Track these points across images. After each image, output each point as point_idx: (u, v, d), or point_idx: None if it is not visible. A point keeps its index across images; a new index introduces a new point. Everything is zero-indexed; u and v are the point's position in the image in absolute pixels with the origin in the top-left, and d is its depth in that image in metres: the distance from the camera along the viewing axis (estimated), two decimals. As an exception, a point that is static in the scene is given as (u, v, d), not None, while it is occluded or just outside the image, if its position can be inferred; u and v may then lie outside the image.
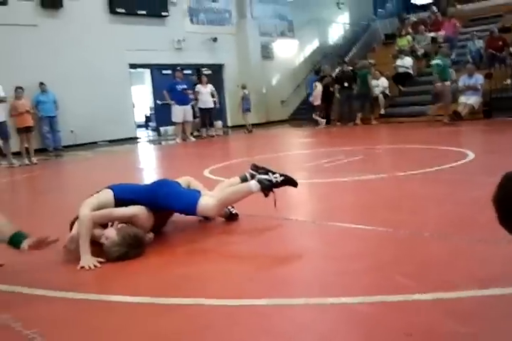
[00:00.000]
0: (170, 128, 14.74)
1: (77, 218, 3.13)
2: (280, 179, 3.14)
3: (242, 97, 14.42)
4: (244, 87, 14.47)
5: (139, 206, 3.09)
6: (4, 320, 2.18)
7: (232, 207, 3.60)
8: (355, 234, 3.15)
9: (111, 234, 2.88)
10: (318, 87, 13.94)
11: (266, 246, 3.07)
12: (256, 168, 3.34)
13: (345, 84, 13.43)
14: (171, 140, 13.35)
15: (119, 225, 2.95)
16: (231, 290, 2.37)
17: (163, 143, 13.47)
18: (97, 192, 3.27)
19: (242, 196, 3.24)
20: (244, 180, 3.55)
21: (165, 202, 3.18)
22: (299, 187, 3.74)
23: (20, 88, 10.25)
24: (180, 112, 12.61)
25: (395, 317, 1.97)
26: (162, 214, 3.29)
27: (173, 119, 12.81)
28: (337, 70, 14.41)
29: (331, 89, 13.89)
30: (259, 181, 3.13)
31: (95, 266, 2.76)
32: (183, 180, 3.71)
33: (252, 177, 3.51)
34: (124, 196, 3.18)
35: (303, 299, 2.17)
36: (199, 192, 3.30)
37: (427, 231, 3.05)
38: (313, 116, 14.06)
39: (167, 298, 2.29)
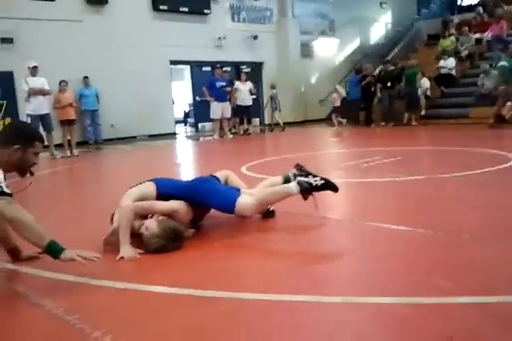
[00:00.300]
0: (208, 125, 14.87)
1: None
2: (320, 182, 3.09)
3: (270, 97, 14.32)
4: (273, 87, 14.30)
5: (180, 201, 3.14)
6: (48, 305, 2.25)
7: None
8: (394, 234, 3.13)
9: (151, 225, 2.92)
10: (340, 90, 13.94)
11: (303, 244, 3.07)
12: (299, 168, 3.30)
13: (388, 84, 13.20)
14: (208, 136, 13.46)
15: (160, 217, 2.99)
16: (268, 285, 2.38)
17: (200, 139, 13.59)
18: (139, 183, 3.33)
19: (281, 197, 3.23)
20: (287, 179, 3.53)
21: (204, 199, 3.21)
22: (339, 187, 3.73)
23: (64, 81, 10.50)
24: (218, 109, 12.70)
25: (433, 319, 1.95)
26: (200, 210, 3.33)
27: (212, 116, 12.91)
28: (378, 69, 14.20)
29: (373, 88, 13.68)
30: (299, 183, 3.10)
31: (135, 257, 2.81)
32: (222, 174, 3.74)
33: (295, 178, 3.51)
34: (166, 191, 3.23)
35: (340, 297, 2.16)
36: (238, 190, 3.31)
37: (467, 233, 3.00)
38: (333, 117, 13.96)
39: (205, 290, 2.32)
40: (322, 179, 3.12)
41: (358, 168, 6.04)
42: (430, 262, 2.60)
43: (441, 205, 3.94)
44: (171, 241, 2.90)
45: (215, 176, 3.60)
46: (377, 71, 14.41)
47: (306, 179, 3.10)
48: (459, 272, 2.43)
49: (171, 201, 3.11)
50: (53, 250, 2.43)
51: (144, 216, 3.07)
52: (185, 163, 8.76)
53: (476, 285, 2.26)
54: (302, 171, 3.16)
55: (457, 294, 2.14)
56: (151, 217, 3.05)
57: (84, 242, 3.18)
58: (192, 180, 3.46)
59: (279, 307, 2.13)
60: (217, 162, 8.32)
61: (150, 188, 3.24)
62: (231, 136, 12.81)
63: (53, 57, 11.38)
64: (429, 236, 3.03)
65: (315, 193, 3.18)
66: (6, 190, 2.44)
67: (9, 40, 11.29)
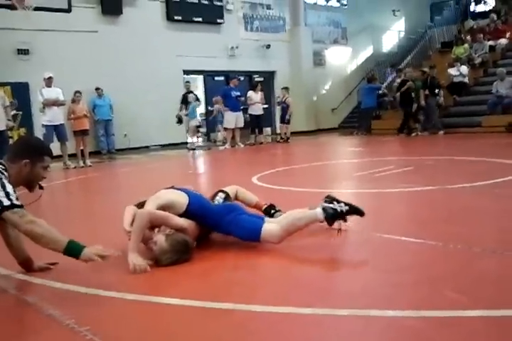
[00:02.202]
0: (220, 134, 14.94)
1: (139, 205, 3.23)
2: (345, 208, 3.06)
3: (281, 108, 14.00)
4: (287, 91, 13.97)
5: (190, 221, 3.13)
6: (59, 316, 2.26)
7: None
8: (406, 246, 3.11)
9: (160, 240, 2.92)
10: None
11: (315, 255, 3.06)
12: (327, 197, 3.24)
13: (436, 91, 12.59)
14: (220, 146, 13.51)
15: (167, 231, 2.99)
16: (278, 298, 2.38)
17: (213, 148, 13.64)
18: (167, 188, 3.33)
19: (305, 223, 3.17)
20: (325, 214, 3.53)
21: (228, 229, 3.19)
22: (348, 196, 3.73)
23: (79, 92, 10.62)
24: (232, 118, 12.77)
25: (444, 333, 1.93)
26: (206, 231, 3.32)
27: (225, 125, 12.98)
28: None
29: (413, 94, 12.83)
30: (324, 209, 3.08)
31: (145, 269, 2.81)
32: (230, 189, 3.76)
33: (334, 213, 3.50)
34: (195, 211, 3.19)
35: (349, 310, 2.15)
36: (262, 218, 3.28)
37: (479, 246, 2.98)
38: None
39: (215, 302, 2.33)
40: (346, 205, 3.08)
41: (370, 178, 6.02)
42: (442, 274, 2.58)
43: (452, 216, 3.91)
44: (181, 254, 2.91)
45: (226, 192, 3.63)
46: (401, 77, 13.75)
47: (331, 205, 3.07)
48: (471, 285, 2.42)
49: (183, 218, 3.10)
50: (72, 253, 2.48)
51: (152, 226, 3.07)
52: (199, 173, 8.79)
53: (488, 298, 2.24)
54: (328, 198, 3.12)
55: (469, 307, 2.12)
56: (159, 229, 3.05)
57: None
58: (218, 207, 3.36)
59: (287, 320, 2.13)
60: (229, 172, 8.36)
61: (181, 201, 3.20)
62: (242, 145, 12.84)
63: (68, 68, 11.51)
64: (440, 248, 3.01)
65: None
66: (16, 202, 2.47)
67: (25, 51, 11.46)
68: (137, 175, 8.64)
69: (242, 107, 13.15)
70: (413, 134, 12.57)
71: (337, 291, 2.45)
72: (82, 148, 10.27)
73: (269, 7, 16.34)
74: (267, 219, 3.37)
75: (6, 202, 2.44)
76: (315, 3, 17.63)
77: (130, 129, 12.69)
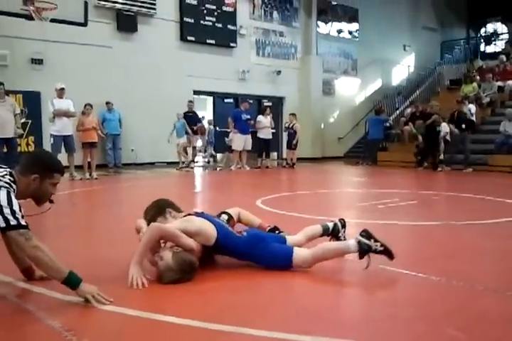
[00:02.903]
0: (219, 155, 15.04)
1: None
2: (379, 249, 3.07)
3: (288, 133, 14.11)
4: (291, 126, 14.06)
5: (197, 243, 3.09)
6: (57, 327, 2.26)
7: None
8: (407, 280, 3.10)
9: (167, 256, 2.92)
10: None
11: (315, 283, 3.05)
12: (366, 232, 3.24)
13: (463, 126, 12.26)
14: (226, 167, 13.55)
15: (175, 248, 2.99)
16: (278, 322, 2.37)
17: (218, 169, 13.68)
18: (196, 214, 3.30)
19: (337, 254, 3.20)
20: (325, 229, 3.60)
21: (258, 259, 3.18)
22: (350, 226, 3.74)
23: (89, 105, 10.72)
24: (241, 141, 12.86)
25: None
26: (210, 252, 3.30)
27: (234, 147, 13.06)
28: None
29: (438, 128, 12.54)
30: (360, 243, 3.09)
31: (143, 284, 2.81)
32: (233, 211, 3.75)
33: (334, 227, 3.61)
34: (224, 244, 3.17)
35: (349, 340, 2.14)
36: (291, 248, 3.24)
37: (482, 284, 2.97)
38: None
39: (214, 323, 2.32)
40: (382, 245, 3.08)
41: (374, 209, 6.02)
42: (442, 311, 2.57)
43: (455, 253, 3.90)
44: (183, 274, 2.90)
45: (229, 214, 3.65)
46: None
47: (367, 241, 3.08)
48: (471, 323, 2.40)
49: (191, 239, 3.06)
50: (70, 285, 2.51)
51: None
52: (204, 192, 8.79)
53: (488, 337, 2.22)
54: (366, 232, 3.14)
55: (468, 345, 2.11)
56: (164, 244, 3.05)
57: (100, 265, 3.20)
58: (246, 238, 3.26)
59: (287, 347, 2.12)
60: (234, 194, 8.36)
61: (211, 233, 3.14)
62: (248, 168, 12.88)
63: (80, 80, 11.66)
64: (442, 284, 3.00)
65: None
66: (22, 221, 2.45)
67: (39, 61, 11.63)
68: (141, 191, 8.65)
69: (250, 130, 13.25)
70: (439, 169, 12.18)
71: (338, 321, 2.44)
72: (89, 160, 10.31)
73: (281, 34, 16.60)
74: (290, 241, 3.40)
75: (13, 222, 2.42)
76: (327, 34, 17.91)
77: (137, 145, 12.77)
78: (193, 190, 9.09)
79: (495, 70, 16.02)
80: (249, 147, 13.10)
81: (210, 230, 3.14)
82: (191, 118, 12.86)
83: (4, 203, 2.43)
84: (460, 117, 12.42)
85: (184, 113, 12.82)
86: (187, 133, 12.70)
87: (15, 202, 2.48)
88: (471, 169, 11.84)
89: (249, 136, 13.09)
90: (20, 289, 2.83)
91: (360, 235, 3.11)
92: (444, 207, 6.88)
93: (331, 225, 3.65)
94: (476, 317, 2.48)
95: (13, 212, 2.43)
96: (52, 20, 10.59)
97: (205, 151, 16.51)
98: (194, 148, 13.25)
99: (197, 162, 14.83)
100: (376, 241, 3.08)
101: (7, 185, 2.53)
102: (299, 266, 3.15)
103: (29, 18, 10.38)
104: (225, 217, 3.64)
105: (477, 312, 2.57)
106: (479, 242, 4.25)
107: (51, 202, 2.77)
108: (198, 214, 3.32)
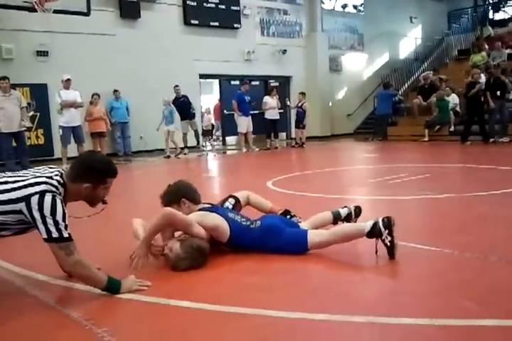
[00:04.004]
0: (233, 138, 14.98)
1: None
2: (387, 242, 2.98)
3: (297, 113, 13.91)
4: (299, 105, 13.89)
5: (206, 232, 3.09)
6: (77, 317, 2.30)
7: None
8: (421, 254, 3.11)
9: (175, 246, 2.94)
10: None
11: (329, 262, 3.07)
12: (389, 220, 3.18)
13: (498, 93, 11.41)
14: (235, 150, 13.54)
15: (182, 236, 3.01)
16: (293, 303, 2.40)
17: (228, 152, 13.69)
18: (210, 209, 3.26)
19: (354, 235, 3.13)
20: (336, 214, 3.52)
21: (275, 249, 3.16)
22: (362, 203, 3.75)
23: (97, 94, 10.74)
24: (245, 123, 12.82)
25: (458, 342, 1.94)
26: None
27: (239, 130, 13.03)
28: (483, 77, 12.58)
29: (483, 98, 11.69)
30: (375, 225, 3.02)
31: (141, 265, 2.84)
32: (242, 195, 3.74)
33: (348, 216, 3.52)
34: (237, 240, 3.17)
35: (364, 317, 2.17)
36: (305, 232, 3.20)
37: (495, 255, 2.98)
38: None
39: (230, 306, 2.35)
40: (391, 242, 2.99)
41: (385, 185, 6.01)
42: (457, 283, 2.58)
43: (468, 225, 3.90)
44: (196, 260, 2.92)
45: (236, 198, 3.64)
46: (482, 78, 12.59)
47: (382, 229, 2.99)
48: (486, 294, 2.42)
49: (203, 230, 3.05)
50: (111, 290, 2.54)
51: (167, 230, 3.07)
52: (214, 176, 8.83)
53: (503, 308, 2.24)
54: (388, 221, 3.08)
55: (483, 316, 2.12)
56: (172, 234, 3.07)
57: (116, 254, 3.24)
58: (259, 231, 3.21)
59: (302, 326, 2.14)
60: (244, 176, 8.38)
61: (225, 230, 3.13)
62: (257, 149, 12.87)
63: (86, 70, 11.64)
64: (456, 256, 3.01)
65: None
66: (64, 233, 2.41)
67: (45, 53, 11.61)
68: (152, 178, 8.69)
69: (252, 112, 13.21)
70: (491, 140, 11.37)
71: (352, 298, 2.46)
72: (99, 149, 10.36)
73: (285, 12, 16.39)
74: (303, 224, 3.40)
75: (54, 234, 2.38)
76: (332, 9, 17.64)
77: (146, 132, 12.78)
78: (203, 174, 9.12)
79: (504, 38, 15.73)
80: (250, 129, 13.01)
81: (225, 229, 3.13)
82: (184, 103, 12.35)
83: (47, 212, 2.37)
84: (496, 83, 11.48)
85: (174, 99, 12.37)
86: (186, 117, 12.28)
87: (59, 209, 2.40)
88: (507, 138, 11.31)
89: (250, 118, 12.99)
90: (38, 282, 2.87)
91: (382, 220, 3.05)
92: (455, 179, 6.84)
93: (343, 212, 3.55)
94: (490, 289, 2.49)
95: (55, 223, 2.38)
96: (56, 12, 10.54)
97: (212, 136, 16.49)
98: (196, 131, 12.89)
99: (205, 146, 14.84)
100: (390, 234, 2.99)
101: (53, 189, 2.45)
102: (315, 247, 3.14)
103: (32, 10, 10.35)
104: (231, 201, 3.63)
105: (491, 283, 2.58)
106: (491, 213, 4.24)
107: (104, 202, 2.71)
108: (212, 209, 3.27)
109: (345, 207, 3.61)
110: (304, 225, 3.43)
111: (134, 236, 3.12)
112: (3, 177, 2.52)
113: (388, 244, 2.98)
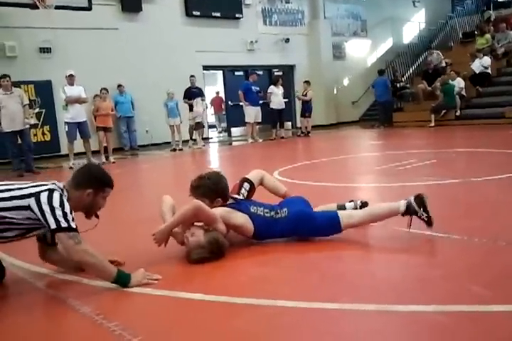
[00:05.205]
0: (239, 129, 14.93)
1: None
2: (423, 217, 3.07)
3: (302, 102, 13.87)
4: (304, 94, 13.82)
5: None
6: (88, 312, 2.32)
7: None
8: (430, 240, 3.11)
9: (198, 232, 2.94)
10: None
11: (341, 250, 3.08)
12: (421, 198, 3.16)
13: None
14: (241, 140, 13.53)
15: (206, 227, 3.00)
16: (304, 292, 2.41)
17: (233, 143, 13.68)
18: (235, 204, 3.26)
19: (389, 214, 3.18)
20: (341, 207, 3.53)
21: (308, 233, 3.20)
22: (370, 191, 3.74)
23: (105, 89, 10.73)
24: (253, 113, 12.78)
25: (468, 328, 1.94)
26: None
27: (247, 120, 12.99)
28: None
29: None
30: (409, 207, 3.08)
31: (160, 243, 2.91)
32: (255, 175, 3.71)
33: (355, 206, 3.55)
34: (260, 238, 3.20)
35: (375, 305, 2.17)
36: (336, 214, 3.20)
37: (504, 239, 2.97)
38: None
39: (242, 297, 2.36)
40: (427, 217, 3.08)
41: (392, 172, 5.99)
42: (466, 269, 2.58)
43: (477, 210, 3.89)
44: (212, 253, 2.92)
45: (251, 182, 3.61)
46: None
47: (417, 208, 3.07)
48: (496, 279, 2.41)
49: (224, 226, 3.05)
50: (121, 282, 2.58)
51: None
52: (221, 168, 8.82)
53: (513, 293, 2.23)
54: (420, 199, 3.12)
55: (493, 302, 2.12)
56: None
57: (126, 249, 3.26)
58: (289, 219, 3.19)
59: (313, 315, 2.15)
60: (251, 167, 8.30)
61: (250, 229, 3.14)
62: (261, 140, 12.83)
63: (90, 65, 11.64)
64: (465, 242, 3.01)
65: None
66: (72, 224, 2.51)
67: (48, 50, 11.61)
68: (159, 171, 8.73)
69: (261, 102, 13.14)
70: None
71: (363, 286, 2.46)
72: (105, 144, 10.37)
73: (287, 1, 16.28)
74: (329, 206, 3.46)
75: (64, 224, 2.48)
76: (334, -4, 17.50)
77: (152, 125, 12.79)
78: (209, 165, 9.13)
79: (509, 19, 15.55)
80: (259, 119, 12.98)
81: (249, 227, 3.14)
82: (195, 93, 12.26)
83: (56, 204, 2.51)
84: None
85: (187, 89, 12.38)
86: (191, 110, 12.11)
87: (67, 204, 2.54)
88: None
89: (259, 108, 12.95)
90: (50, 278, 2.90)
91: (414, 199, 3.10)
92: (462, 164, 6.81)
93: (349, 206, 3.56)
94: (500, 274, 2.49)
95: (64, 214, 2.50)
96: (57, 7, 10.52)
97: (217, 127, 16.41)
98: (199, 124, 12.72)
99: (211, 138, 14.82)
100: (425, 210, 3.08)
101: (60, 191, 2.61)
102: (349, 226, 3.16)
103: (33, 6, 10.33)
104: (246, 186, 3.60)
105: (501, 268, 2.57)
106: (499, 197, 4.23)
107: (97, 216, 2.83)
108: (236, 207, 3.23)
109: (352, 201, 3.62)
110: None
111: (160, 215, 3.15)
112: (6, 184, 2.64)
113: (426, 219, 3.08)
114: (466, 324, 1.99)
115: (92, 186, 2.69)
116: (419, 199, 3.10)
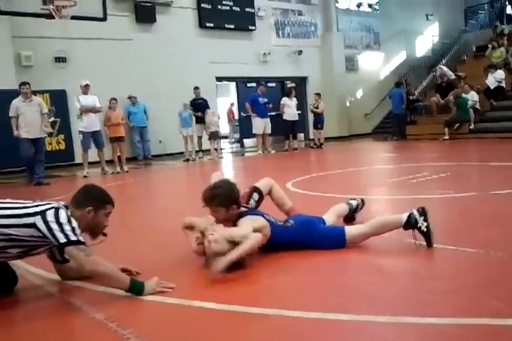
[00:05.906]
0: (251, 140, 14.95)
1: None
2: (423, 228, 3.09)
3: (314, 114, 13.91)
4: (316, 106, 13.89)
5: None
6: (102, 319, 2.33)
7: None
8: (445, 254, 3.08)
9: (222, 240, 2.92)
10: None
11: (350, 261, 3.07)
12: (421, 212, 3.19)
13: None
14: (253, 152, 13.55)
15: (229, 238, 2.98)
16: (316, 303, 2.39)
17: (246, 154, 13.70)
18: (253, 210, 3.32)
19: (393, 226, 3.22)
20: (351, 206, 3.68)
21: (311, 244, 3.19)
22: (382, 203, 3.73)
23: (114, 99, 10.83)
24: (261, 124, 12.80)
25: (484, 341, 1.92)
26: None
27: (254, 131, 13.02)
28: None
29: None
30: (410, 215, 3.13)
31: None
32: (265, 183, 3.73)
33: (357, 205, 3.79)
34: (274, 241, 3.19)
35: (387, 317, 2.15)
36: (342, 227, 3.26)
37: (520, 253, 2.94)
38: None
39: (254, 307, 2.36)
40: (427, 227, 3.09)
41: (406, 184, 5.97)
42: (482, 282, 2.55)
43: (492, 223, 3.85)
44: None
45: (260, 191, 3.64)
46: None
47: (418, 217, 3.11)
48: (511, 293, 2.38)
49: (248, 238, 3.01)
50: (135, 291, 2.59)
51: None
52: (233, 179, 8.81)
53: (529, 306, 2.20)
54: (422, 210, 3.14)
55: (509, 315, 2.09)
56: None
57: (139, 258, 3.27)
58: (294, 229, 3.25)
59: (324, 326, 2.14)
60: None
61: (267, 231, 3.14)
62: (273, 151, 12.84)
63: (104, 75, 11.76)
64: (481, 256, 2.98)
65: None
66: (81, 238, 2.56)
67: (63, 60, 11.77)
68: (172, 181, 8.76)
69: (269, 114, 13.17)
70: None
71: (376, 297, 2.44)
72: (119, 154, 10.43)
73: (300, 13, 16.38)
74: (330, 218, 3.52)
75: (73, 238, 2.52)
76: (347, 9, 17.59)
77: (165, 135, 12.87)
78: (224, 176, 9.11)
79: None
80: (268, 131, 12.97)
81: (267, 228, 3.15)
82: (201, 105, 12.37)
83: (64, 221, 2.55)
84: None
85: (192, 100, 12.43)
86: (197, 121, 12.22)
87: (74, 221, 2.59)
88: None
89: (268, 120, 12.96)
90: (64, 285, 2.91)
91: (416, 209, 3.16)
92: (476, 177, 6.76)
93: (354, 203, 3.81)
94: (515, 287, 2.46)
95: (72, 229, 2.54)
96: (73, 18, 10.66)
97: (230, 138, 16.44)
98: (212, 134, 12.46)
99: (223, 149, 14.85)
100: (425, 220, 3.10)
101: (64, 209, 2.65)
102: (353, 242, 3.21)
103: (49, 17, 10.46)
104: (255, 196, 3.61)
105: (516, 282, 2.54)
106: (515, 211, 4.18)
107: (104, 235, 2.85)
108: (256, 213, 3.26)
109: (353, 199, 3.89)
110: (326, 217, 3.50)
111: (186, 228, 3.24)
112: (11, 203, 2.70)
113: (425, 229, 3.09)
114: (480, 337, 1.96)
115: (93, 204, 2.73)
116: (422, 210, 3.15)
